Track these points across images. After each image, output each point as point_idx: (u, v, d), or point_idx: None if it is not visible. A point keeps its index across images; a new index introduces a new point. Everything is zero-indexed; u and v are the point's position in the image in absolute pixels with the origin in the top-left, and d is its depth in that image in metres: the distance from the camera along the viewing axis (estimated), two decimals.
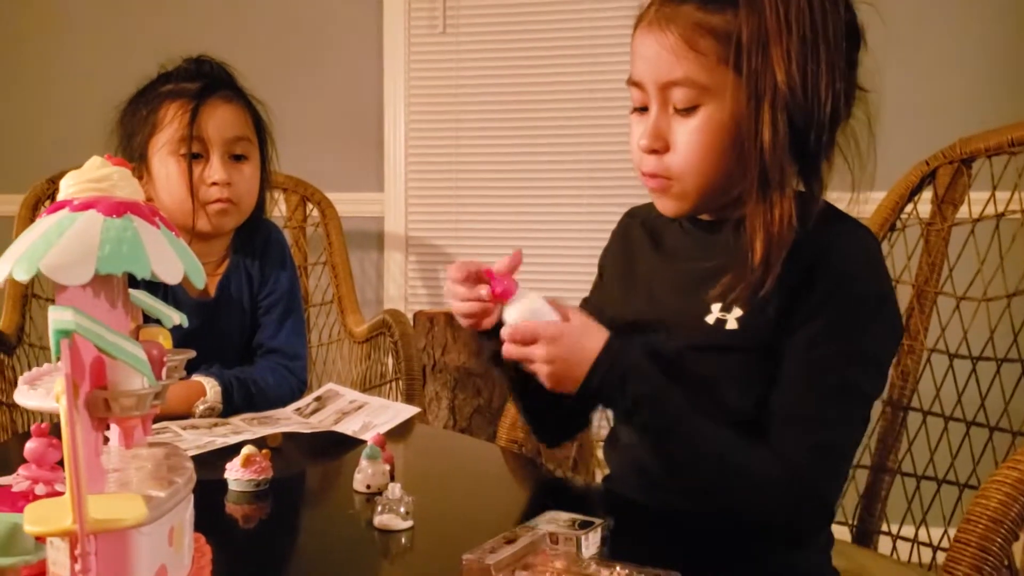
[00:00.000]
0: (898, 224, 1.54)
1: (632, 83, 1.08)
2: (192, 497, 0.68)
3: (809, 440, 0.99)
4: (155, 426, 1.33)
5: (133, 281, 0.65)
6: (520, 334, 1.03)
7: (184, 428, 1.35)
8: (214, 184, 1.55)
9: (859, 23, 1.06)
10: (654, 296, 1.15)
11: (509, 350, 1.04)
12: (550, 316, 1.04)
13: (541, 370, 1.03)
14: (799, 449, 0.99)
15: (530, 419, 1.26)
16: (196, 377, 1.48)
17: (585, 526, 0.86)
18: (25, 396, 0.62)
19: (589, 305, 1.28)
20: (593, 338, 1.03)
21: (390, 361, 2.09)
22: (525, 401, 1.21)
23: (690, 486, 1.04)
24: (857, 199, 1.08)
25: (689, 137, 1.03)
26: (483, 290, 1.06)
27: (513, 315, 1.05)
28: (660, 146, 1.05)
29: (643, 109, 1.07)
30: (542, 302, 1.05)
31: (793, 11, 0.97)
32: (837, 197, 1.08)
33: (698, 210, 1.09)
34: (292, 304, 1.68)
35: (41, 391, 0.63)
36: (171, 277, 0.64)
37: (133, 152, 1.59)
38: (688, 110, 1.03)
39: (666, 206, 1.09)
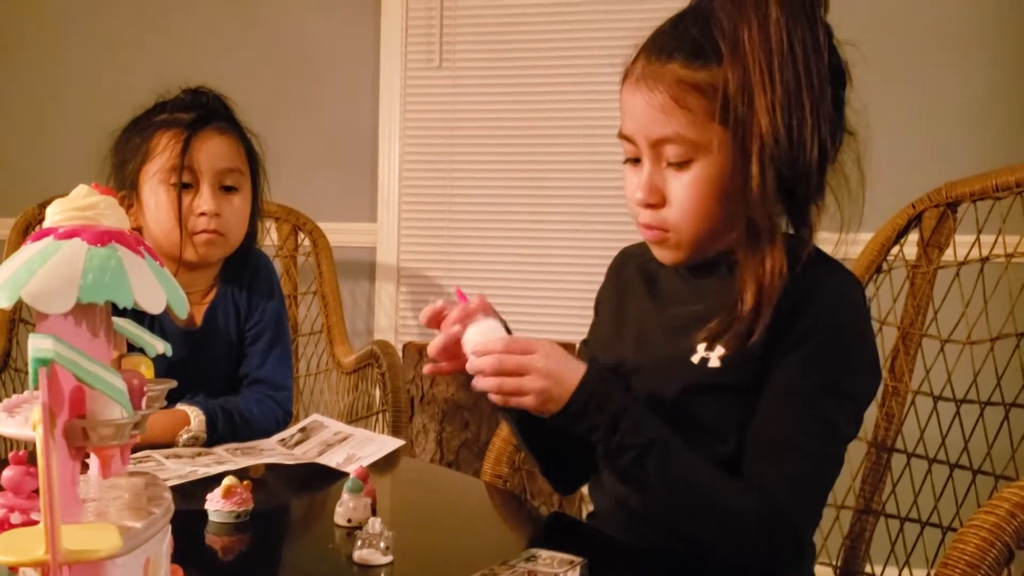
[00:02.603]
0: (884, 266, 1.55)
1: (623, 136, 1.09)
2: (169, 528, 0.68)
3: (783, 471, 1.00)
4: (138, 455, 1.33)
5: (121, 309, 0.65)
6: (511, 366, 1.02)
7: (167, 457, 1.34)
8: (202, 214, 1.55)
9: (843, 63, 1.07)
10: (644, 338, 1.16)
11: (488, 382, 1.03)
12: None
13: (528, 402, 1.02)
14: (773, 480, 0.99)
15: (540, 463, 1.26)
16: (181, 406, 1.48)
17: (564, 565, 0.86)
18: (2, 423, 0.62)
19: (588, 347, 1.29)
20: (572, 367, 1.03)
21: (377, 392, 2.08)
22: (533, 445, 1.21)
23: (664, 513, 1.04)
24: (845, 239, 1.09)
25: (684, 192, 1.04)
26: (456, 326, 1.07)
27: (473, 334, 1.05)
28: (656, 200, 1.06)
29: (636, 160, 1.09)
30: (499, 328, 1.07)
31: (776, 61, 0.98)
32: (824, 238, 1.09)
33: (695, 258, 1.10)
34: (279, 334, 1.67)
35: (19, 419, 0.63)
36: (153, 307, 0.64)
37: (125, 180, 1.59)
38: (681, 164, 1.04)
39: (664, 256, 1.11)
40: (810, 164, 1.01)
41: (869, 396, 1.11)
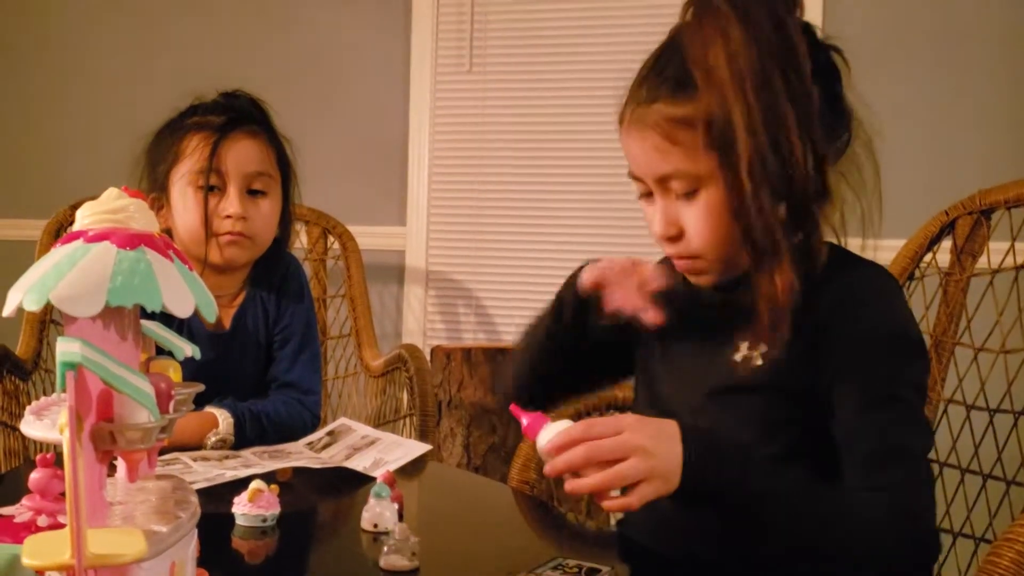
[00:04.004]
0: (917, 273, 1.53)
1: (632, 176, 1.11)
2: (196, 532, 0.68)
3: (900, 476, 0.97)
4: (166, 457, 1.33)
5: (150, 312, 0.65)
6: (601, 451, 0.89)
7: (195, 460, 1.35)
8: (228, 217, 1.56)
9: (832, 59, 1.06)
10: (685, 332, 1.15)
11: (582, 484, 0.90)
12: None
13: (642, 492, 0.89)
14: (896, 488, 0.96)
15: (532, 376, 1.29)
16: (209, 409, 1.48)
17: (591, 574, 0.85)
18: (30, 426, 0.62)
19: None
20: (662, 430, 0.93)
21: (405, 396, 2.08)
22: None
23: (809, 550, 0.97)
24: (869, 240, 1.08)
25: (698, 222, 1.05)
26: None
27: (546, 438, 0.92)
28: (675, 232, 1.07)
29: (649, 194, 1.10)
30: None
31: (749, 80, 0.97)
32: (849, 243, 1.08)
33: (731, 273, 1.09)
34: (308, 338, 1.68)
35: (47, 422, 0.63)
36: (182, 310, 0.64)
37: (156, 181, 1.60)
38: (689, 195, 1.05)
39: (700, 280, 1.11)
40: (806, 173, 0.99)
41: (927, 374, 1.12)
